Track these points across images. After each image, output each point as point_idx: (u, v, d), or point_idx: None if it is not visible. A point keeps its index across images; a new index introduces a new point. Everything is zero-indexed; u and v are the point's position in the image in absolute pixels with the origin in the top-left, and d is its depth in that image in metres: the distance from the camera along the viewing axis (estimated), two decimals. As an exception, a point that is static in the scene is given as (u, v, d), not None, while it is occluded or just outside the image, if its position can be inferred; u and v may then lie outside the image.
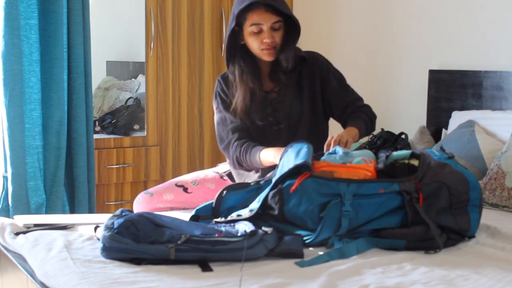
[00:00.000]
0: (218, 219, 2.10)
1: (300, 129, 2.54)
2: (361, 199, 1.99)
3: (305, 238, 1.99)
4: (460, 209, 2.04)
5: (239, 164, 2.53)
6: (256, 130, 2.55)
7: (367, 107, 2.60)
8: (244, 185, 2.20)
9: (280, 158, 2.19)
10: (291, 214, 2.02)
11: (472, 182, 2.05)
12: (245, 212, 2.07)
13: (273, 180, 2.09)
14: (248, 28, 2.45)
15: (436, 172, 2.05)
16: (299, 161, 2.04)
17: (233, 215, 2.09)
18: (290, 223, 2.04)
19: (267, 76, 2.57)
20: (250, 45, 2.48)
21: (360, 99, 2.61)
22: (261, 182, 2.19)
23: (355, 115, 2.52)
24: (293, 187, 2.00)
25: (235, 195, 2.17)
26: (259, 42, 2.45)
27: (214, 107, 2.65)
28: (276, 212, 2.02)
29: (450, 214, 2.03)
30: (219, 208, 2.16)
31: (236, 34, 2.48)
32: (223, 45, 4.06)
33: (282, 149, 2.30)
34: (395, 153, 2.15)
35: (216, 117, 2.63)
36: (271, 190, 2.05)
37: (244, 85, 2.50)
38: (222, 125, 2.59)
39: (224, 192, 2.17)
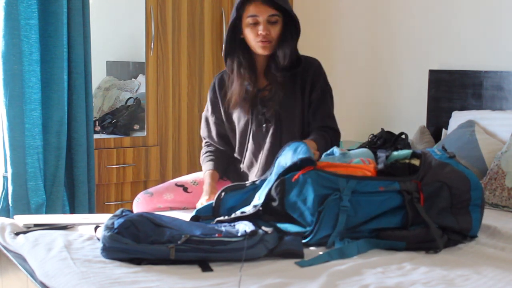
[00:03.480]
0: (221, 218, 2.10)
1: (289, 130, 2.54)
2: (361, 196, 1.99)
3: (304, 236, 1.99)
4: (461, 209, 2.03)
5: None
6: (243, 130, 2.60)
7: (334, 131, 2.54)
8: (241, 186, 2.22)
9: (276, 157, 2.20)
10: (291, 204, 2.02)
11: (473, 181, 2.05)
12: (248, 209, 2.08)
13: (273, 176, 2.09)
14: (245, 20, 2.48)
15: (437, 172, 2.04)
16: (300, 155, 2.05)
17: (237, 213, 2.09)
18: (289, 218, 2.04)
19: (261, 73, 2.58)
20: (247, 37, 2.51)
21: (331, 117, 2.56)
22: (257, 182, 2.21)
23: (320, 134, 2.49)
24: (296, 177, 2.01)
25: (233, 197, 2.19)
26: (255, 34, 2.47)
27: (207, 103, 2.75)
28: (277, 203, 2.04)
29: (451, 214, 2.02)
30: (219, 210, 2.17)
31: (236, 27, 2.51)
32: (222, 44, 4.05)
33: (213, 190, 2.50)
34: (395, 153, 2.14)
35: (203, 115, 2.76)
36: (274, 182, 2.06)
37: (241, 79, 2.53)
38: (204, 125, 2.75)
39: (223, 194, 2.18)
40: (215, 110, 2.68)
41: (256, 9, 2.45)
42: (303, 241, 1.97)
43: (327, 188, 1.99)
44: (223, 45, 2.57)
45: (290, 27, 2.51)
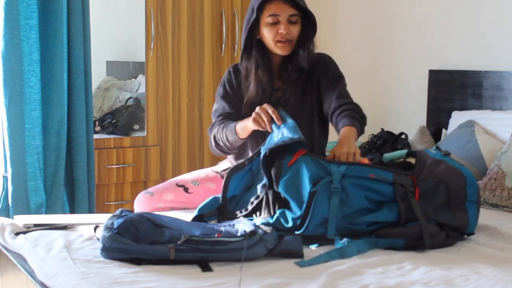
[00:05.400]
0: (237, 213, 2.16)
1: (304, 131, 2.50)
2: (350, 179, 2.04)
3: (301, 221, 2.02)
4: (458, 205, 2.04)
5: (216, 142, 2.48)
6: (255, 131, 2.54)
7: (357, 106, 2.47)
8: (241, 166, 2.25)
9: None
10: (285, 182, 2.07)
11: (469, 178, 2.06)
12: (259, 191, 2.16)
13: (264, 150, 2.16)
14: (265, 19, 2.43)
15: (433, 169, 2.06)
16: (290, 133, 2.12)
17: (253, 202, 2.15)
18: (283, 202, 2.09)
19: (276, 74, 2.55)
20: (265, 36, 2.46)
21: (349, 97, 2.50)
22: (254, 158, 2.24)
23: (348, 114, 2.41)
24: (291, 162, 2.07)
25: (235, 179, 2.22)
26: (274, 34, 2.43)
27: (216, 95, 2.62)
28: (275, 185, 2.10)
29: (448, 211, 2.03)
30: (227, 194, 2.21)
31: (253, 27, 2.47)
32: (222, 44, 4.06)
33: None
34: (388, 154, 2.17)
35: (214, 105, 2.61)
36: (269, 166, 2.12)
37: (258, 80, 2.48)
38: (216, 111, 2.56)
39: (230, 176, 2.22)
40: (232, 90, 2.56)
41: (277, 8, 2.42)
42: (300, 231, 2.00)
43: (321, 171, 2.05)
44: (242, 45, 2.50)
45: (307, 28, 2.49)
